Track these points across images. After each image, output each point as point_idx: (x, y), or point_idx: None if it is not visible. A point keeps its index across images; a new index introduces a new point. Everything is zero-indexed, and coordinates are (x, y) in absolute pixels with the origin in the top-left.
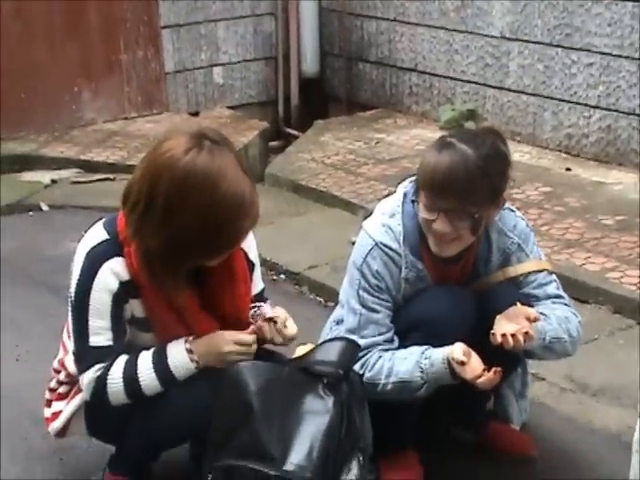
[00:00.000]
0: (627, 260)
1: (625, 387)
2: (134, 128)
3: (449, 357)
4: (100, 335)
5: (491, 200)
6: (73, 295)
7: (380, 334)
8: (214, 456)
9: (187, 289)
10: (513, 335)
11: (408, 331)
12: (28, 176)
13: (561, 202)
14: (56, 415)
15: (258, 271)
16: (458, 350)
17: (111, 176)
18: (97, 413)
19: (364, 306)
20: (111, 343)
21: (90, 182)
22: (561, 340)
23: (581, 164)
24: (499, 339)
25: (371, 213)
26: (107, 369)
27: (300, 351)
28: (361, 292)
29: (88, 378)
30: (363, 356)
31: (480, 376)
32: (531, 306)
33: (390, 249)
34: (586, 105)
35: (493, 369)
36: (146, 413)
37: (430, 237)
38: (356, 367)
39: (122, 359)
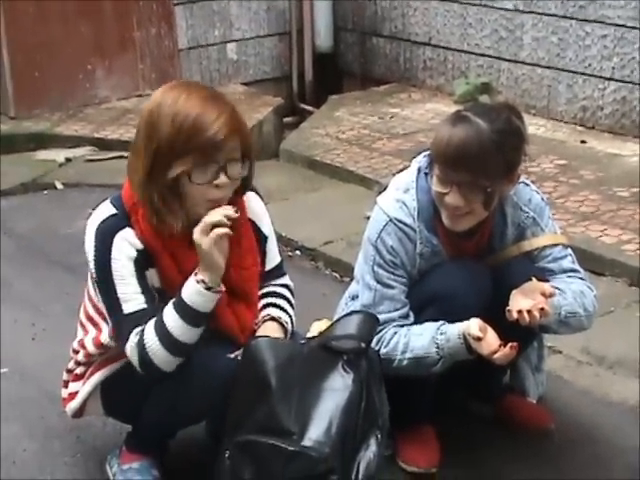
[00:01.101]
0: None
1: None
2: None
3: (465, 332)
4: (132, 301)
5: (504, 175)
6: (94, 271)
7: (395, 310)
8: (232, 432)
9: (192, 252)
10: (529, 311)
11: (423, 307)
12: (42, 155)
13: (576, 175)
14: (73, 396)
15: (273, 244)
16: (474, 325)
17: (125, 154)
18: (113, 393)
19: (379, 282)
20: (145, 306)
21: (104, 160)
22: (577, 315)
23: (596, 136)
24: (515, 315)
25: (385, 188)
26: (143, 331)
27: (316, 326)
28: (376, 268)
29: (130, 347)
30: (378, 332)
31: (496, 351)
32: (546, 281)
33: (405, 225)
34: (600, 77)
35: (509, 344)
36: (164, 390)
37: (443, 211)
38: (371, 343)
39: (151, 321)
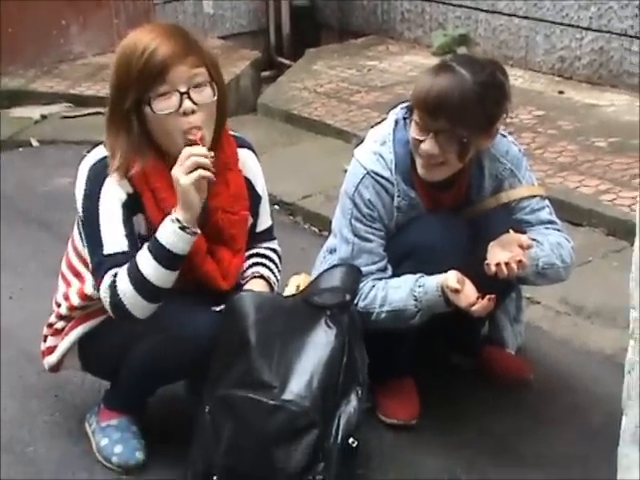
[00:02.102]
0: (620, 182)
1: (619, 309)
2: None
3: (443, 285)
4: (113, 243)
5: (483, 128)
6: (81, 210)
7: (373, 263)
8: (212, 387)
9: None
10: (507, 263)
11: (401, 260)
12: (18, 112)
13: (554, 125)
14: (51, 350)
15: (266, 206)
16: (452, 278)
17: (101, 110)
18: (92, 349)
19: (357, 235)
20: (126, 249)
21: (80, 116)
22: (554, 266)
23: (574, 87)
24: (493, 269)
25: (362, 140)
26: (116, 274)
27: (294, 281)
28: (354, 221)
29: (103, 288)
30: None
31: (474, 304)
32: (524, 233)
33: (382, 177)
34: (578, 27)
35: (487, 296)
36: (147, 347)
37: (417, 159)
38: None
39: (124, 266)
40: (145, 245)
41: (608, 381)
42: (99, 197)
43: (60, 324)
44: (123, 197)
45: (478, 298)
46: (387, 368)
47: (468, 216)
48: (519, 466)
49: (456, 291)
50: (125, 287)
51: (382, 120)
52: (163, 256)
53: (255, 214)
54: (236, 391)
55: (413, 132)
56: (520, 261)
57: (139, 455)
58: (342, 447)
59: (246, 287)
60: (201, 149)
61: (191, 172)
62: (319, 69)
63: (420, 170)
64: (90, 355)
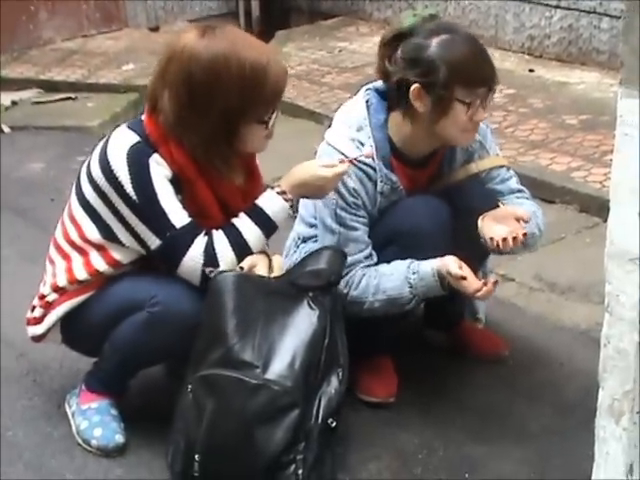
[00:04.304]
0: (592, 159)
1: (593, 284)
2: (94, 45)
3: (443, 272)
4: (180, 215)
5: None
6: (134, 195)
7: (360, 251)
8: (194, 367)
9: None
10: (514, 238)
11: (385, 245)
12: None
13: (525, 104)
14: (38, 320)
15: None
16: (453, 265)
17: (72, 95)
18: (76, 324)
19: (342, 225)
20: (191, 219)
21: (51, 102)
22: (534, 235)
23: (544, 65)
24: (496, 243)
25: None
26: (210, 238)
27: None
28: (338, 211)
29: (195, 255)
30: (345, 274)
31: (479, 289)
32: (497, 204)
33: (364, 164)
34: (547, 5)
35: (491, 281)
36: (131, 328)
37: (464, 134)
38: (340, 286)
39: (216, 231)
40: (245, 216)
41: (583, 356)
42: (150, 178)
43: (52, 296)
44: (170, 175)
45: (483, 284)
46: (365, 347)
47: (439, 187)
48: (496, 441)
49: (463, 278)
50: (226, 251)
51: (349, 101)
52: (268, 226)
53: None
54: (218, 370)
55: (461, 112)
56: (525, 234)
57: (119, 438)
58: (322, 428)
59: (253, 258)
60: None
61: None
62: (289, 51)
63: (464, 140)
64: (73, 330)
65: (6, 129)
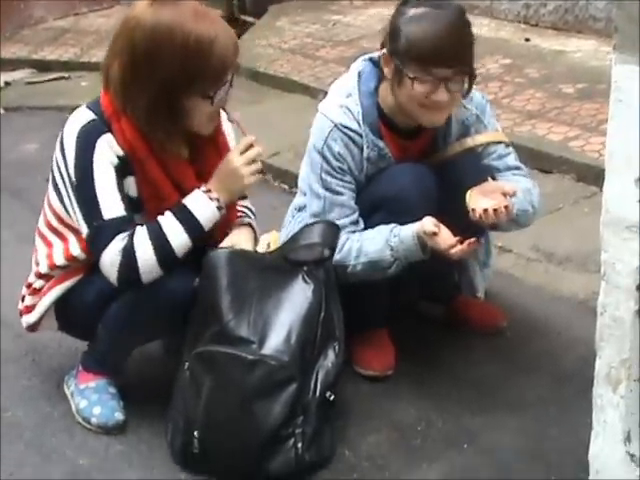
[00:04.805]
0: (589, 128)
1: (591, 254)
2: (86, 24)
3: (419, 232)
4: (113, 207)
5: (473, 59)
6: (74, 176)
7: (346, 216)
8: (191, 345)
9: (179, 157)
10: (495, 210)
11: (372, 211)
12: None
13: (521, 73)
14: (29, 309)
15: None
16: (428, 223)
17: (65, 74)
18: (69, 309)
19: (328, 189)
20: (125, 214)
21: (45, 82)
22: (527, 212)
23: (540, 34)
24: (478, 215)
25: (326, 95)
26: (131, 238)
27: (264, 239)
28: (324, 175)
29: (112, 253)
30: None
31: (453, 246)
32: (495, 179)
33: (350, 130)
34: None
35: (467, 241)
36: (124, 306)
37: (422, 110)
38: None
39: (141, 227)
40: (169, 215)
41: (581, 326)
42: (92, 162)
43: (39, 283)
44: (115, 161)
45: (457, 241)
46: (362, 320)
47: (435, 162)
48: (494, 412)
49: (434, 234)
50: (145, 252)
51: (344, 74)
52: (194, 229)
53: None
54: (215, 347)
55: (417, 88)
56: (507, 207)
57: (118, 416)
58: (320, 401)
59: (234, 233)
60: (257, 146)
61: (249, 165)
62: (283, 25)
63: (425, 119)
64: (67, 315)
65: (0, 110)
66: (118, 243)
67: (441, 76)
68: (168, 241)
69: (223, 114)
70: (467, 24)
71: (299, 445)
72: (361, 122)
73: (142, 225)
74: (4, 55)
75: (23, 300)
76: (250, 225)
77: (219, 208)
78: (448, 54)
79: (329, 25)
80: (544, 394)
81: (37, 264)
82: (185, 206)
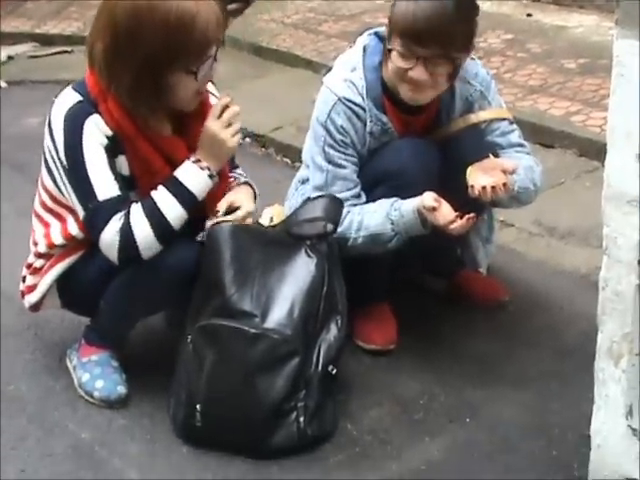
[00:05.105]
0: (591, 103)
1: (593, 228)
2: None
3: (419, 206)
4: (107, 187)
5: (467, 45)
6: (64, 158)
7: (348, 189)
8: (193, 318)
9: (168, 131)
10: (493, 187)
11: (374, 185)
12: None
13: (523, 48)
14: (31, 288)
15: None
16: (428, 197)
17: (68, 48)
18: (71, 285)
19: (330, 162)
20: (119, 193)
21: (47, 56)
22: (528, 190)
23: (542, 9)
24: (477, 192)
25: (331, 69)
26: (127, 216)
27: (267, 212)
28: (327, 148)
29: (110, 232)
30: None
31: (452, 221)
32: (498, 156)
33: (354, 103)
34: None
35: (466, 216)
36: (125, 279)
37: (403, 86)
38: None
39: (136, 205)
40: (162, 189)
41: (583, 300)
42: (82, 144)
43: (39, 262)
44: (104, 141)
45: (456, 217)
46: (363, 294)
47: (438, 138)
48: (496, 386)
49: (433, 209)
50: (143, 229)
51: (350, 48)
52: (189, 201)
53: None
54: (218, 320)
55: (397, 61)
56: (505, 184)
57: (120, 389)
58: (322, 375)
59: (233, 191)
60: (235, 106)
61: (228, 127)
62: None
63: (406, 95)
64: (70, 292)
65: (3, 84)
66: (115, 223)
67: (419, 54)
68: (164, 215)
69: (211, 87)
70: (466, 11)
71: (301, 419)
72: (365, 96)
73: (137, 202)
74: (7, 29)
75: (24, 281)
76: (248, 183)
77: (211, 176)
78: (427, 34)
79: None
80: (546, 368)
81: (35, 244)
82: (177, 178)
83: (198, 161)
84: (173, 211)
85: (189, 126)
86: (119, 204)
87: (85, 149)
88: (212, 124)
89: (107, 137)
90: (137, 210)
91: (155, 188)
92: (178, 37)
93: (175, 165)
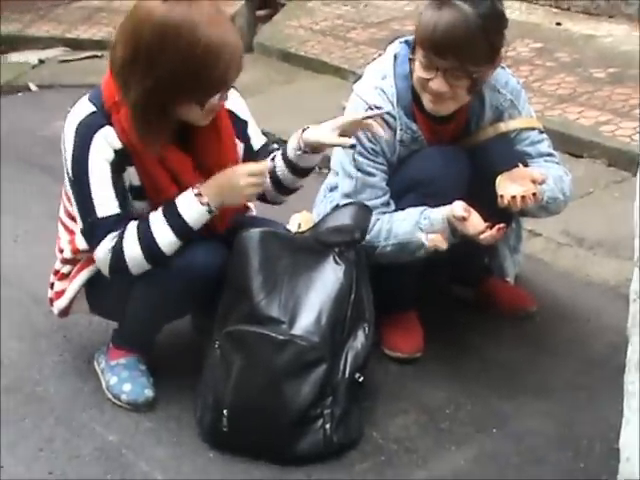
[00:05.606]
0: (620, 112)
1: (621, 239)
2: (119, 3)
3: (449, 215)
4: (106, 205)
5: (489, 59)
6: (70, 171)
7: (377, 197)
8: (221, 324)
9: (176, 148)
10: (523, 197)
11: (403, 193)
12: (15, 57)
13: (552, 57)
14: (59, 294)
15: (254, 127)
16: (458, 207)
17: (98, 53)
18: (98, 291)
19: (360, 170)
20: (119, 211)
21: (77, 60)
22: (557, 200)
23: (571, 18)
24: (506, 201)
25: (361, 77)
26: (121, 236)
27: (295, 219)
28: (357, 156)
29: (103, 250)
30: None
31: (483, 231)
32: (527, 166)
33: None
34: None
35: (497, 226)
36: (147, 286)
37: (425, 96)
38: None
39: (133, 224)
40: (159, 214)
41: (611, 312)
42: (88, 159)
43: (66, 268)
44: (111, 156)
45: (487, 227)
46: (391, 302)
47: (467, 146)
48: (523, 396)
49: (463, 219)
50: (134, 252)
51: (380, 56)
52: (183, 231)
53: (246, 138)
54: (245, 326)
55: (419, 71)
56: (534, 194)
57: (148, 392)
58: (349, 382)
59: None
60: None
61: (250, 177)
62: (314, 6)
63: (428, 105)
64: (97, 297)
65: (33, 87)
66: (108, 242)
67: (438, 65)
68: (155, 242)
69: (233, 92)
70: (491, 24)
71: (327, 426)
72: (395, 104)
73: (135, 221)
74: (38, 33)
75: (52, 287)
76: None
77: (209, 212)
78: (445, 46)
79: (360, 6)
80: (573, 379)
81: (61, 251)
82: (176, 207)
83: (200, 195)
84: (166, 239)
85: (199, 137)
86: (115, 223)
87: (90, 165)
88: (239, 168)
89: (115, 151)
90: (131, 232)
91: (163, 197)
92: (196, 70)
93: (181, 182)
